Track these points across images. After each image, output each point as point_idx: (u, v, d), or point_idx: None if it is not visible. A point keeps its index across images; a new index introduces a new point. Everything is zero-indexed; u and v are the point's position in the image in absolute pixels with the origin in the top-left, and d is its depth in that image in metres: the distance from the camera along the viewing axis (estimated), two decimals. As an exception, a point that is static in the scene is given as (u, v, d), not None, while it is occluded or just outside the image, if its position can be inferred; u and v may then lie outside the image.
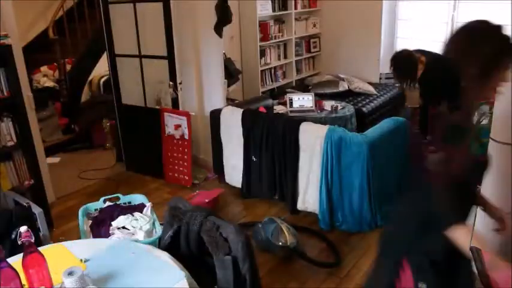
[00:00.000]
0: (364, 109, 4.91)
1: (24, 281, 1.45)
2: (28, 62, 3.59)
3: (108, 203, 2.73)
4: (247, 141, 3.75)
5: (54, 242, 1.95)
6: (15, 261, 1.62)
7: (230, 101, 4.67)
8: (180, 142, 4.06)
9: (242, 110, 3.82)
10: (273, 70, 5.89)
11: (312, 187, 3.42)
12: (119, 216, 2.51)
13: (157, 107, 4.19)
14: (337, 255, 3.02)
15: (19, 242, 1.44)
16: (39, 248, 1.52)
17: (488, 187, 2.62)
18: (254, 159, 3.73)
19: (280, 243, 2.96)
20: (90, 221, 2.59)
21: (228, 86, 4.74)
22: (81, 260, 1.70)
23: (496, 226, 1.80)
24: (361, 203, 3.25)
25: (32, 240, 1.43)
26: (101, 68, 5.44)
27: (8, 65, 3.06)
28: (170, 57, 3.91)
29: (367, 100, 5.20)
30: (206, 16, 3.97)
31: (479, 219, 2.75)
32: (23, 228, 1.41)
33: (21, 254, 1.45)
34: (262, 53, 5.59)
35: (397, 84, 5.94)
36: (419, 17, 5.97)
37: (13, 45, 3.14)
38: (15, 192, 3.19)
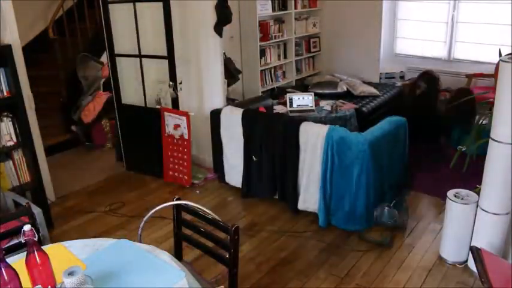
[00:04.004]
0: (364, 109, 4.91)
1: (27, 280, 1.45)
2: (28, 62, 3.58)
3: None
4: (247, 141, 3.75)
5: (53, 242, 1.95)
6: (15, 261, 1.62)
7: (230, 101, 4.67)
8: (179, 142, 4.06)
9: (242, 110, 3.82)
10: (273, 70, 5.89)
11: (313, 187, 3.42)
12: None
13: (157, 106, 4.19)
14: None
15: (22, 241, 1.44)
16: (39, 248, 1.52)
17: (489, 187, 2.62)
18: (254, 159, 3.73)
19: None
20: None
21: (228, 85, 4.74)
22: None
23: None
24: (362, 203, 3.25)
25: (36, 239, 1.43)
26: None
27: (8, 65, 3.06)
28: (170, 57, 3.91)
29: (367, 100, 5.19)
30: (206, 16, 3.97)
31: (480, 216, 2.76)
32: (27, 227, 1.42)
33: (21, 254, 1.46)
34: (262, 53, 5.60)
35: (396, 84, 5.95)
36: (419, 17, 5.97)
37: (13, 45, 3.15)
38: (15, 192, 3.20)
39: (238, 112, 3.80)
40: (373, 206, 3.28)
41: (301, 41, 6.23)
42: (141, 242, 1.99)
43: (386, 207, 3.31)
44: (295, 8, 5.89)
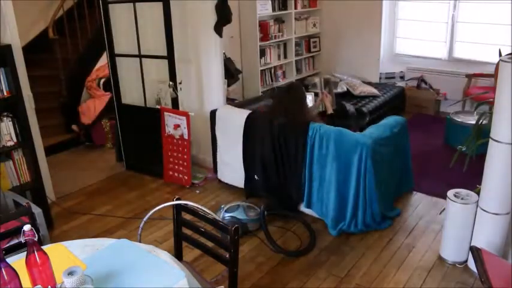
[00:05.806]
0: (364, 109, 4.91)
1: (27, 280, 1.45)
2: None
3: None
4: (247, 141, 3.75)
5: (53, 242, 1.95)
6: (15, 261, 1.62)
7: (230, 101, 4.67)
8: (179, 142, 4.06)
9: (242, 110, 3.81)
10: (273, 70, 5.89)
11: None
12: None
13: (157, 106, 4.19)
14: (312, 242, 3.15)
15: (22, 241, 1.44)
16: (39, 248, 1.52)
17: (489, 187, 2.62)
18: (256, 178, 3.72)
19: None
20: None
21: (228, 85, 4.74)
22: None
23: None
24: (361, 203, 3.25)
25: (36, 239, 1.43)
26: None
27: (8, 65, 3.06)
28: (170, 57, 3.91)
29: (367, 100, 5.20)
30: (206, 16, 3.97)
31: (480, 216, 2.76)
32: (27, 227, 1.42)
33: (21, 255, 1.46)
34: (262, 53, 5.60)
35: (397, 84, 5.95)
36: (419, 17, 5.97)
37: (13, 45, 3.14)
38: (15, 192, 3.19)
39: (238, 112, 3.80)
40: (373, 205, 3.28)
41: (301, 41, 6.23)
42: (141, 242, 1.99)
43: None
44: (295, 8, 5.89)
